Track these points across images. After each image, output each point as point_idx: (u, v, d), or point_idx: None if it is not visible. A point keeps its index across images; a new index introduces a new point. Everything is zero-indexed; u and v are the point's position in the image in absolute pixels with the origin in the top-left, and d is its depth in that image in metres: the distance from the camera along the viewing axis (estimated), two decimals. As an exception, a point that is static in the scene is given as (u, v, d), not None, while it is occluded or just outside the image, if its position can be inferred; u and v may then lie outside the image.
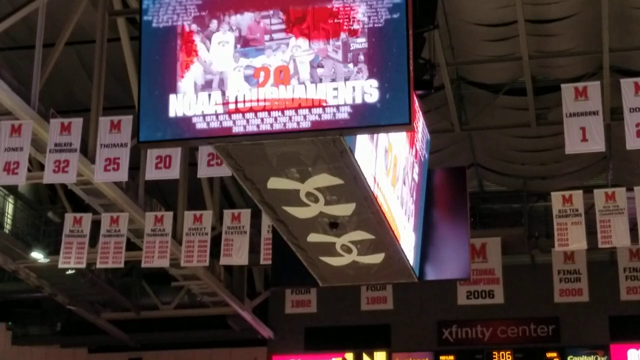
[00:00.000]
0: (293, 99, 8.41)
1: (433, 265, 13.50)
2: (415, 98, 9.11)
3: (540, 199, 29.55)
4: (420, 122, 12.95)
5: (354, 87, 8.34)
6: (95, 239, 23.34)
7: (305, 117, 8.35)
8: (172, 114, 8.61)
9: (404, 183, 12.08)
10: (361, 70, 8.38)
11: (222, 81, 8.58)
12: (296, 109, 8.37)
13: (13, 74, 19.88)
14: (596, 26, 22.66)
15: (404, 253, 12.02)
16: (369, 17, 8.49)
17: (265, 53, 8.56)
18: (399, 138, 11.52)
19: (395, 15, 8.46)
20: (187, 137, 8.82)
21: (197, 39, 8.73)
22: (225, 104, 8.50)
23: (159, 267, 24.76)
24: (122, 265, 24.01)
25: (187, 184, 25.43)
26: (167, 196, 26.43)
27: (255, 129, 8.45)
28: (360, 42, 8.44)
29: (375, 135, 9.86)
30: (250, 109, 8.44)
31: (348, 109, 8.30)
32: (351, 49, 8.43)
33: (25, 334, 36.78)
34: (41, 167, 20.45)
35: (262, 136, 8.55)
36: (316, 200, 10.03)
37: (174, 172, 19.74)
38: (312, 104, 8.37)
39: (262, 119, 8.40)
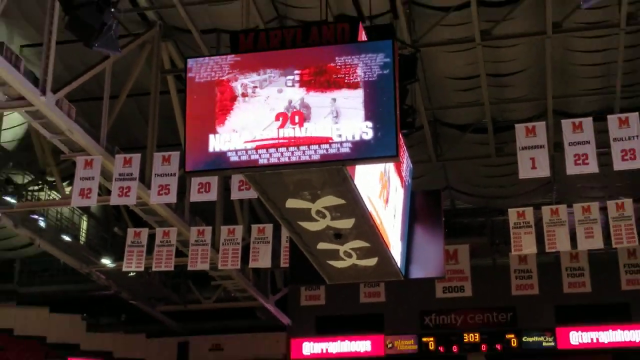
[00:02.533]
0: (306, 137, 8.44)
1: (416, 266, 13.42)
2: (401, 136, 9.09)
3: (500, 214, 29.33)
4: (405, 155, 12.93)
5: (353, 127, 8.37)
6: (151, 248, 23.34)
7: (315, 151, 8.39)
8: (211, 149, 8.65)
9: (393, 202, 12.05)
10: (359, 114, 8.41)
11: (250, 124, 8.62)
12: (308, 145, 8.42)
13: (86, 119, 19.93)
14: (542, 78, 22.70)
15: (393, 257, 11.97)
16: (364, 72, 8.53)
17: (284, 102, 8.58)
18: (389, 167, 11.50)
19: (385, 71, 8.50)
20: (223, 167, 8.85)
21: (229, 91, 8.76)
22: (253, 141, 8.54)
23: (201, 269, 24.72)
24: (172, 268, 23.94)
25: (223, 205, 25.42)
26: (207, 214, 26.41)
27: (276, 160, 8.51)
28: (359, 93, 8.47)
29: (370, 165, 9.83)
30: (272, 145, 8.49)
31: (349, 144, 8.35)
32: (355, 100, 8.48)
33: (96, 323, 36.73)
34: (108, 192, 20.43)
35: (282, 167, 8.58)
36: (324, 216, 10.02)
37: (212, 196, 19.70)
38: (321, 141, 8.41)
39: (281, 153, 8.47)
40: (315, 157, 8.44)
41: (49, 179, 24.85)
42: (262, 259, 23.26)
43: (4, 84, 17.03)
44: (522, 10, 20.48)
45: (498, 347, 33.71)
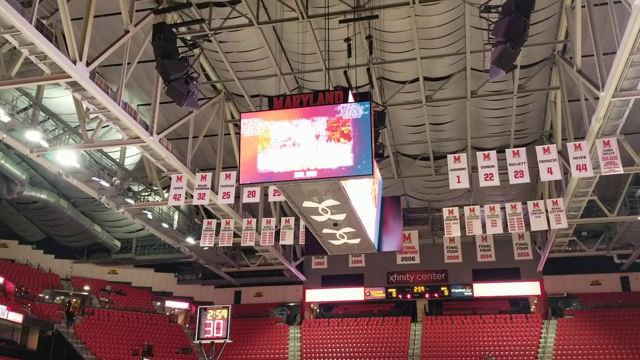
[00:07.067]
0: (315, 161, 8.33)
1: (385, 243, 13.24)
2: (375, 161, 9.02)
3: (438, 211, 29.25)
4: (378, 173, 12.83)
5: (346, 156, 8.26)
6: (218, 231, 23.30)
7: (321, 171, 8.28)
8: (256, 170, 8.53)
9: (371, 202, 11.97)
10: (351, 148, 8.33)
11: (276, 156, 8.53)
12: (316, 167, 8.30)
13: (178, 151, 19.92)
14: (464, 126, 22.66)
15: (370, 238, 11.83)
16: (355, 123, 8.41)
17: (300, 142, 8.49)
18: (370, 181, 11.41)
19: (366, 122, 8.39)
20: (263, 181, 8.74)
21: (260, 139, 8.68)
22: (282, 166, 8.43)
23: (249, 245, 24.64)
24: (231, 244, 23.86)
25: (263, 204, 25.37)
26: (254, 210, 26.36)
27: (295, 177, 8.37)
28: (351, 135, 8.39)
29: (358, 180, 9.75)
30: (292, 167, 8.37)
31: (342, 168, 8.21)
32: (346, 138, 8.38)
33: (183, 278, 36.74)
34: (191, 196, 20.42)
35: (299, 181, 8.47)
36: (326, 212, 9.89)
37: (256, 199, 19.68)
38: (324, 165, 8.28)
39: (300, 172, 8.32)
40: (321, 175, 8.27)
41: (154, 188, 24.87)
42: (287, 239, 23.19)
43: (126, 129, 17.07)
44: (451, 83, 20.50)
45: (436, 295, 33.59)
